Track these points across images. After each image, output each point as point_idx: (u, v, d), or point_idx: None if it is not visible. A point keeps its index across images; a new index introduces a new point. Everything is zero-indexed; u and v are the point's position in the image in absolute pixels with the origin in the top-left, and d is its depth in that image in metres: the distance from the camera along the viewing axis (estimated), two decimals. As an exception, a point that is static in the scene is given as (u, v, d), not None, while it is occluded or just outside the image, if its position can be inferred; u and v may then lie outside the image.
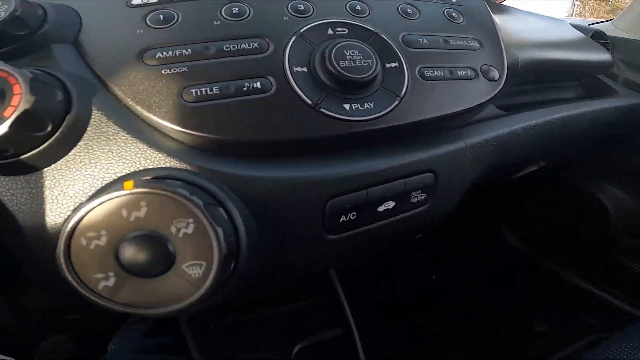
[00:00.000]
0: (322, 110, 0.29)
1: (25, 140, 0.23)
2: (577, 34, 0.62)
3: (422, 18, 0.37)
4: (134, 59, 0.28)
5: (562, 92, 0.63)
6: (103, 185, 0.25)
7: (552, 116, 0.48)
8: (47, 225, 0.25)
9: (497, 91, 0.37)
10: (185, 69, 0.28)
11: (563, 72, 0.59)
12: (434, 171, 0.35)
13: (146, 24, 0.29)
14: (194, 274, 0.22)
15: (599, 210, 0.81)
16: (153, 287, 0.22)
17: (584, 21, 0.86)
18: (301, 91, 0.29)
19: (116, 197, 0.21)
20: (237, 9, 0.31)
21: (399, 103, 0.32)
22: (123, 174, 0.26)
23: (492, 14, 0.42)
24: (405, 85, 0.33)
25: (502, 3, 0.66)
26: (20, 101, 0.22)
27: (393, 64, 0.34)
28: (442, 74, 0.35)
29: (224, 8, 0.31)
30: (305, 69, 0.30)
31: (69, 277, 0.21)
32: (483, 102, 0.36)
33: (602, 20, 0.82)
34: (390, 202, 0.34)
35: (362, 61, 0.31)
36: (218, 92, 0.28)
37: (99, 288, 0.22)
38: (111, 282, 0.22)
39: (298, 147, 0.30)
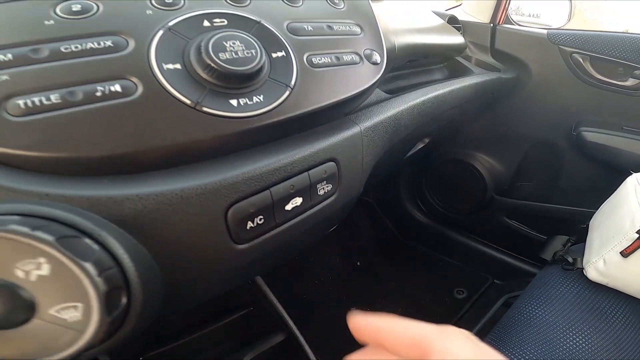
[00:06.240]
0: (204, 109, 0.26)
1: None
2: (438, 20, 0.70)
3: (305, 5, 0.36)
4: None
5: (431, 74, 0.71)
6: None
7: (427, 95, 0.53)
8: None
9: (380, 74, 0.38)
10: (5, 77, 0.22)
11: (430, 54, 0.65)
12: (335, 159, 0.35)
13: None
14: (70, 318, 0.19)
15: (476, 176, 0.95)
16: (18, 337, 0.19)
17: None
18: (176, 90, 0.25)
19: None
20: (78, 6, 0.25)
21: (290, 93, 0.31)
22: None
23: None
24: (294, 75, 0.32)
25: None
26: None
27: (280, 54, 0.32)
28: (330, 60, 0.35)
29: (58, 6, 0.25)
30: (178, 66, 0.26)
31: None
32: (370, 85, 0.37)
33: (456, 5, 0.93)
34: (298, 198, 0.32)
35: (245, 52, 0.28)
36: (59, 101, 0.22)
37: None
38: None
39: (182, 154, 0.26)
